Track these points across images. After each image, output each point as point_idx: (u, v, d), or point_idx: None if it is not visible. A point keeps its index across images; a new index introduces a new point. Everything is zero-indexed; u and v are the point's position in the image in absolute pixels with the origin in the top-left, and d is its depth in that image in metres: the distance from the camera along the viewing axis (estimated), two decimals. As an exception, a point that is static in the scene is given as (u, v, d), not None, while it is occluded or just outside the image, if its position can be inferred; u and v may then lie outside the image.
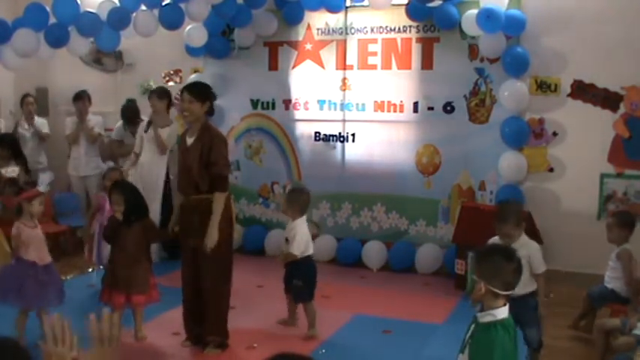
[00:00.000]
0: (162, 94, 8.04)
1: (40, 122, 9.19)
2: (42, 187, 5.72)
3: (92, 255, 6.79)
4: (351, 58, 8.09)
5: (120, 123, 8.80)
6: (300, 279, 5.75)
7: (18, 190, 5.63)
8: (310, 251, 5.86)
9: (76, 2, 6.99)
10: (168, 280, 6.75)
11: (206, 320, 5.38)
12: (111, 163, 8.04)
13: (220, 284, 5.36)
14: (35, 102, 9.24)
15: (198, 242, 5.21)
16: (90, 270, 7.25)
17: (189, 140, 5.35)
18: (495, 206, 6.10)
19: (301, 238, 5.72)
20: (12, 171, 8.00)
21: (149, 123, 7.96)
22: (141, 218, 5.59)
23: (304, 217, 5.90)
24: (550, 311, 6.17)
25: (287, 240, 5.78)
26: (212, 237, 5.16)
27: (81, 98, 8.74)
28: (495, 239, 4.78)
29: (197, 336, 5.48)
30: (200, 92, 5.36)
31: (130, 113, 8.72)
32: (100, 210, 6.67)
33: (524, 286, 4.51)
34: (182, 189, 5.50)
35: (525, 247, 4.68)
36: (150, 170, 7.91)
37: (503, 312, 3.18)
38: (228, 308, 5.46)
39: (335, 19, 8.07)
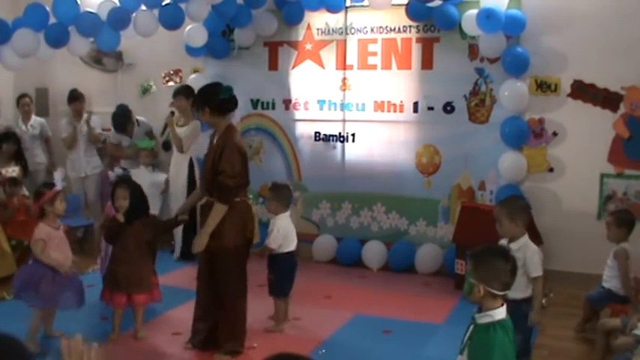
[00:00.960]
0: (190, 93, 7.86)
1: (39, 122, 9.20)
2: (58, 185, 5.74)
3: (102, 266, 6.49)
4: (351, 58, 8.09)
5: None
6: (274, 273, 5.82)
7: (37, 195, 5.67)
8: (290, 247, 5.86)
9: (76, 2, 7.00)
10: (170, 279, 6.76)
11: (222, 326, 5.29)
12: (119, 170, 8.04)
13: (233, 292, 5.24)
14: (31, 102, 9.25)
15: (209, 244, 5.12)
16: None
17: (214, 143, 5.30)
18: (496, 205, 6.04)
19: (278, 232, 5.73)
20: (12, 171, 8.02)
21: (165, 125, 8.04)
22: (142, 217, 5.60)
23: (287, 213, 5.92)
24: (550, 312, 6.20)
25: (268, 234, 5.82)
26: (199, 243, 5.11)
27: (77, 99, 8.73)
28: (503, 241, 4.72)
29: (204, 340, 5.37)
30: (195, 101, 5.43)
31: (119, 120, 8.70)
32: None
33: (521, 290, 4.48)
34: (201, 189, 5.48)
35: (523, 249, 4.61)
36: (173, 169, 8.08)
37: (501, 312, 3.18)
38: (244, 316, 5.34)
39: (335, 19, 8.07)
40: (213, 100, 5.22)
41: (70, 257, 5.55)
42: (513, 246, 4.53)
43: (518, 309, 4.44)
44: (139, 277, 5.51)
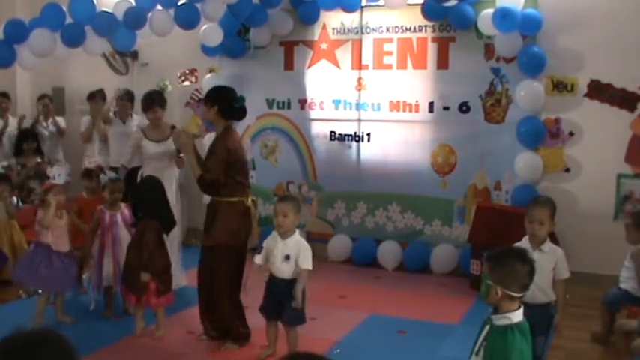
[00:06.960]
0: (164, 102, 7.02)
1: (57, 120, 9.29)
2: (60, 180, 5.92)
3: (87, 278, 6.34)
4: (367, 57, 8.08)
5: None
6: (302, 300, 4.97)
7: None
8: None
9: (92, 2, 7.02)
10: (185, 277, 6.79)
11: (224, 318, 5.49)
12: (111, 173, 7.93)
13: (225, 286, 5.40)
14: (51, 102, 9.32)
15: (206, 240, 5.38)
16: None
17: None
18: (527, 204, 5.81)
19: (310, 251, 5.04)
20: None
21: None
22: (150, 219, 5.63)
23: None
24: (566, 313, 6.15)
25: (287, 257, 4.97)
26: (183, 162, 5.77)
27: (93, 97, 8.79)
28: (524, 242, 4.58)
29: (216, 330, 5.58)
30: (207, 95, 5.47)
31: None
32: (101, 225, 6.08)
33: (548, 293, 4.45)
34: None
35: (553, 252, 4.56)
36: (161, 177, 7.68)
37: (518, 315, 3.16)
38: (241, 307, 5.52)
39: (350, 19, 8.06)
40: (226, 103, 5.36)
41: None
42: (544, 248, 4.50)
43: (545, 311, 4.41)
44: (130, 277, 5.58)
